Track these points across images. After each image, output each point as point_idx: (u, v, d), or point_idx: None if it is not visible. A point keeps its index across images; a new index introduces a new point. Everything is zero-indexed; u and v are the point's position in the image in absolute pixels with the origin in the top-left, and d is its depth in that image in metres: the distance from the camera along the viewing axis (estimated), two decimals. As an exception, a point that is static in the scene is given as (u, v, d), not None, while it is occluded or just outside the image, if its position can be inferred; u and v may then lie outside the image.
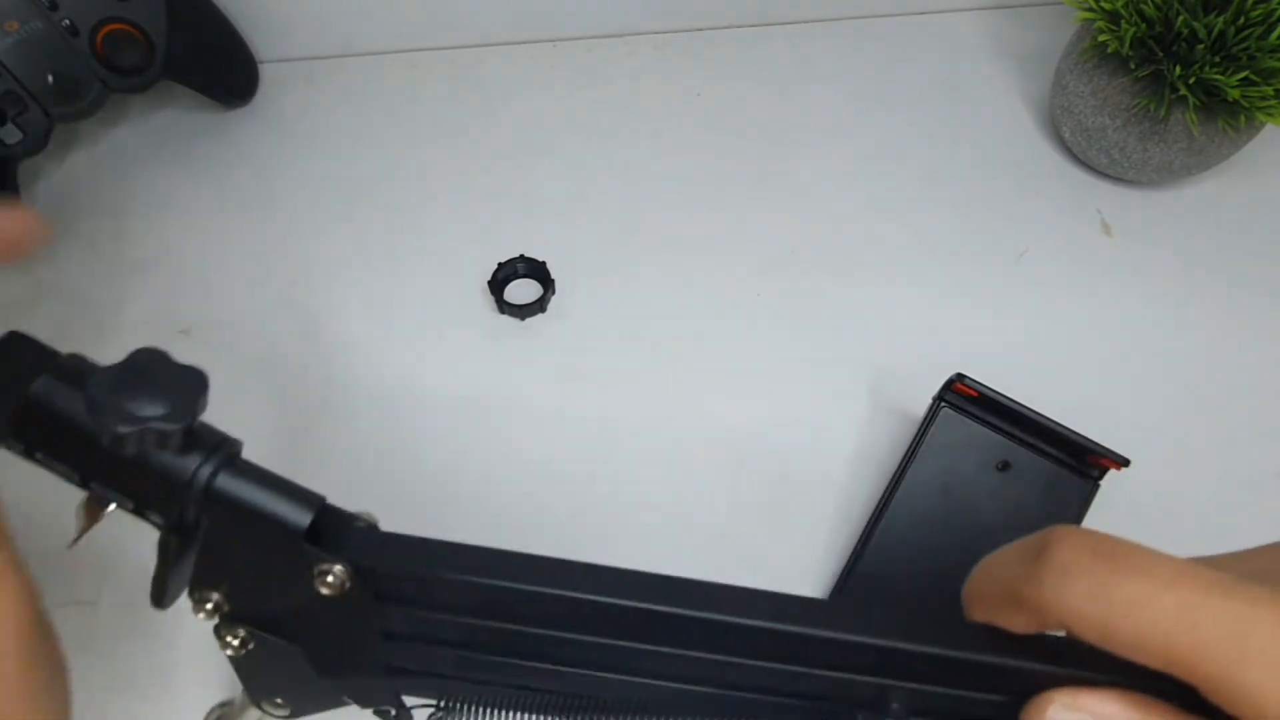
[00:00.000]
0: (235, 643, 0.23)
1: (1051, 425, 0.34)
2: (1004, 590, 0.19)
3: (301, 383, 0.42)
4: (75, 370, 0.20)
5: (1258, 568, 0.20)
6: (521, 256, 0.45)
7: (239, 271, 0.46)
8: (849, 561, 0.36)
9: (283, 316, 0.45)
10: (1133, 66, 0.43)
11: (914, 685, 0.21)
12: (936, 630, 0.21)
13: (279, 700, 0.25)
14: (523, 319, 0.44)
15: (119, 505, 0.21)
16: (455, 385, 0.43)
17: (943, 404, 0.36)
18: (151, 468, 0.20)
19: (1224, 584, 0.17)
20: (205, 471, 0.20)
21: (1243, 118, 0.41)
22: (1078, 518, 0.35)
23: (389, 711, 0.25)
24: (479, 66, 0.55)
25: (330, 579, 0.20)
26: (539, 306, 0.44)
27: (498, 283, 0.44)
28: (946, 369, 0.36)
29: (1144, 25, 0.41)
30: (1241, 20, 0.39)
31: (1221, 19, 0.39)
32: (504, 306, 0.44)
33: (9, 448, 0.21)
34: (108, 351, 0.20)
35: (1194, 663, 0.17)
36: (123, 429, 0.18)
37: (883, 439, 0.41)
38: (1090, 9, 0.43)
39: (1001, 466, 0.36)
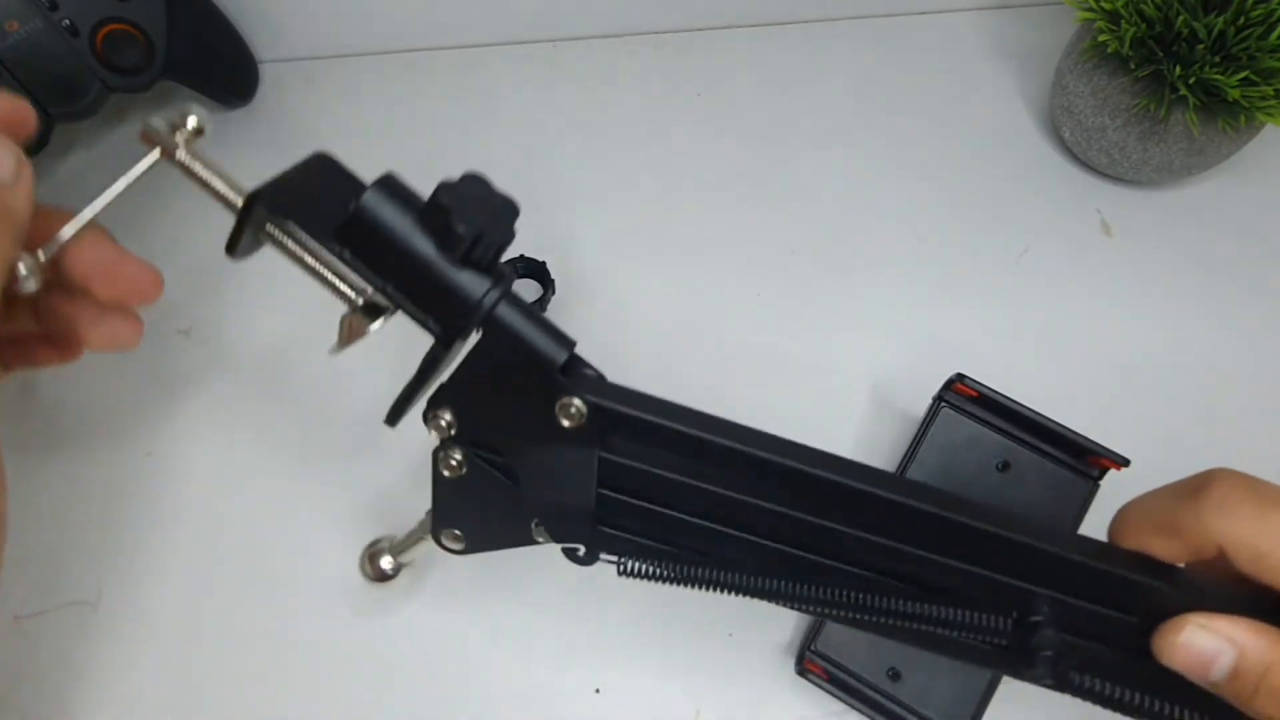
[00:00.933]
0: (454, 463, 0.25)
1: (1051, 425, 0.34)
2: (1159, 520, 0.22)
3: (301, 383, 0.42)
4: (398, 187, 0.23)
5: None
6: (521, 256, 0.45)
7: (239, 271, 0.46)
8: (849, 561, 0.36)
9: (283, 316, 0.45)
10: (1133, 66, 0.43)
11: (1063, 596, 0.23)
12: (1094, 546, 0.23)
13: (458, 532, 0.28)
14: (523, 319, 0.44)
15: (408, 313, 0.23)
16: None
17: (943, 404, 0.36)
18: (450, 283, 0.22)
19: None
20: (492, 297, 0.23)
21: (1243, 118, 0.41)
22: (1078, 518, 0.35)
23: (577, 550, 0.27)
24: (479, 66, 0.55)
25: (572, 410, 0.23)
26: (539, 306, 0.44)
27: (498, 283, 0.44)
28: (946, 369, 0.36)
29: (1144, 25, 0.41)
30: (1241, 20, 0.39)
31: (1221, 19, 0.39)
32: (504, 306, 0.44)
33: (326, 247, 0.23)
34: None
35: None
36: (463, 230, 0.21)
37: (883, 439, 0.41)
38: (1090, 9, 0.43)
39: (1001, 466, 0.36)
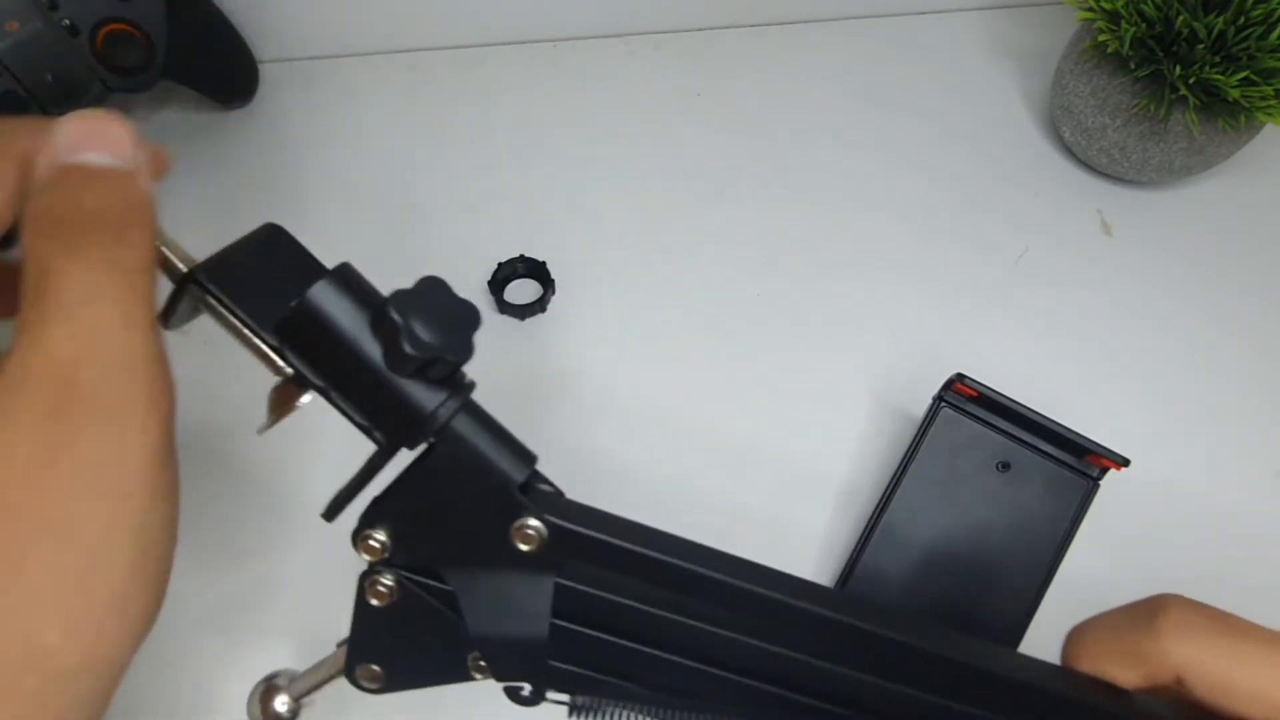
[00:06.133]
0: (384, 589, 0.23)
1: (1051, 425, 0.34)
2: (1117, 645, 0.22)
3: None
4: (353, 282, 0.20)
5: None
6: (521, 256, 0.45)
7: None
8: (849, 561, 0.36)
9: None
10: (1133, 66, 0.43)
11: None
12: (1049, 670, 0.22)
13: (377, 668, 0.25)
14: (523, 319, 0.44)
15: (351, 419, 0.21)
16: (455, 385, 0.43)
17: (943, 404, 0.36)
18: (400, 396, 0.20)
19: None
20: (448, 409, 0.20)
21: (1243, 118, 0.41)
22: (1078, 518, 0.35)
23: (520, 689, 0.24)
24: (479, 66, 0.55)
25: (530, 532, 0.21)
26: (539, 306, 0.44)
27: (498, 283, 0.44)
28: (946, 369, 0.36)
29: (1144, 25, 0.41)
30: (1241, 20, 0.39)
31: (1221, 19, 0.39)
32: (504, 306, 0.44)
33: (263, 340, 0.21)
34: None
35: None
36: (413, 352, 0.19)
37: (883, 439, 0.41)
38: (1090, 9, 0.43)
39: (1001, 466, 0.36)
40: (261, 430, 0.22)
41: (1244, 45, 0.40)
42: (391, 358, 0.20)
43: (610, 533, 0.21)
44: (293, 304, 0.20)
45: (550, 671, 0.23)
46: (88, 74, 0.43)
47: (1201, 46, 0.40)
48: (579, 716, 0.23)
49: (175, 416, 0.20)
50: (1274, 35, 0.39)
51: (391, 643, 0.24)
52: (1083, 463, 0.35)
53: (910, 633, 0.22)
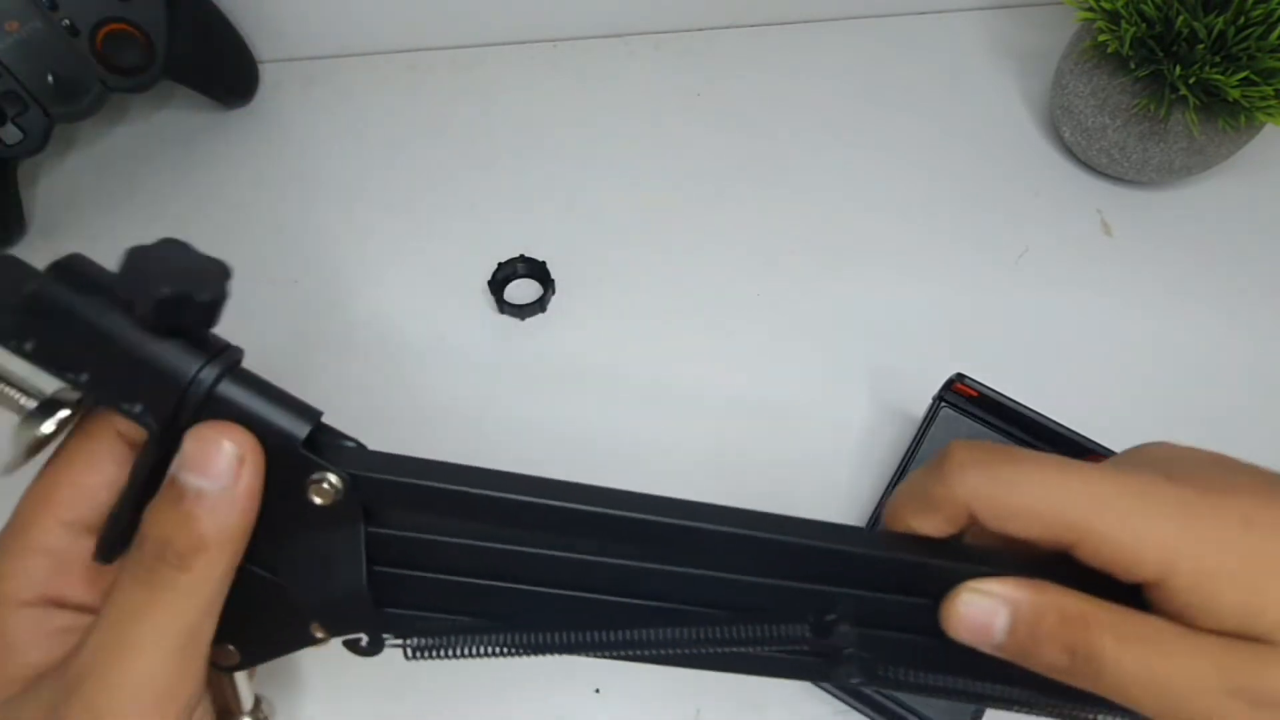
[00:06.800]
0: None
1: (1051, 425, 0.34)
2: (916, 498, 0.23)
3: (300, 383, 0.42)
4: (77, 266, 0.20)
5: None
6: (521, 256, 0.45)
7: (238, 271, 0.46)
8: (849, 561, 0.36)
9: (282, 317, 0.45)
10: (1133, 66, 0.43)
11: (853, 591, 0.23)
12: (869, 536, 0.24)
13: (231, 647, 0.24)
14: (523, 319, 0.44)
15: (118, 409, 0.20)
16: (455, 385, 0.43)
17: (943, 404, 0.36)
18: (154, 364, 0.20)
19: (1078, 462, 0.21)
20: (209, 375, 0.20)
21: (1243, 118, 0.41)
22: (1078, 518, 0.35)
23: (359, 640, 0.24)
24: (479, 66, 0.55)
25: (325, 486, 0.21)
26: (539, 306, 0.44)
27: (498, 283, 0.44)
28: (946, 369, 0.36)
29: (1144, 25, 0.41)
30: (1241, 20, 0.39)
31: (1221, 19, 0.39)
32: (504, 306, 0.44)
33: (9, 346, 0.20)
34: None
35: (1065, 519, 0.20)
36: (164, 290, 0.19)
37: (883, 439, 0.41)
38: (1090, 9, 0.43)
39: (1001, 466, 0.36)
40: (8, 470, 0.22)
41: (1244, 45, 0.40)
42: (133, 309, 0.19)
43: (410, 474, 0.21)
44: (25, 291, 0.19)
45: (385, 618, 0.23)
46: (88, 74, 0.43)
47: (1201, 46, 0.40)
48: (418, 656, 0.23)
49: None
50: (1274, 35, 0.39)
51: (234, 619, 0.23)
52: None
53: (721, 519, 0.22)
